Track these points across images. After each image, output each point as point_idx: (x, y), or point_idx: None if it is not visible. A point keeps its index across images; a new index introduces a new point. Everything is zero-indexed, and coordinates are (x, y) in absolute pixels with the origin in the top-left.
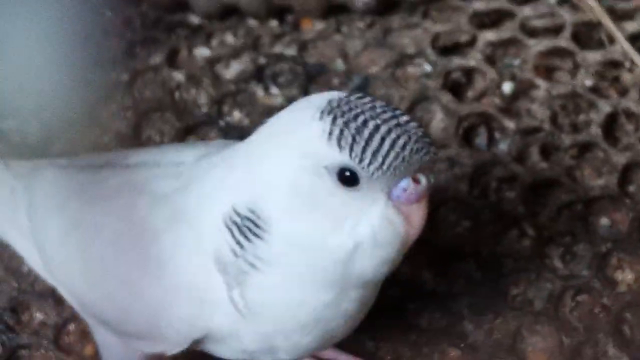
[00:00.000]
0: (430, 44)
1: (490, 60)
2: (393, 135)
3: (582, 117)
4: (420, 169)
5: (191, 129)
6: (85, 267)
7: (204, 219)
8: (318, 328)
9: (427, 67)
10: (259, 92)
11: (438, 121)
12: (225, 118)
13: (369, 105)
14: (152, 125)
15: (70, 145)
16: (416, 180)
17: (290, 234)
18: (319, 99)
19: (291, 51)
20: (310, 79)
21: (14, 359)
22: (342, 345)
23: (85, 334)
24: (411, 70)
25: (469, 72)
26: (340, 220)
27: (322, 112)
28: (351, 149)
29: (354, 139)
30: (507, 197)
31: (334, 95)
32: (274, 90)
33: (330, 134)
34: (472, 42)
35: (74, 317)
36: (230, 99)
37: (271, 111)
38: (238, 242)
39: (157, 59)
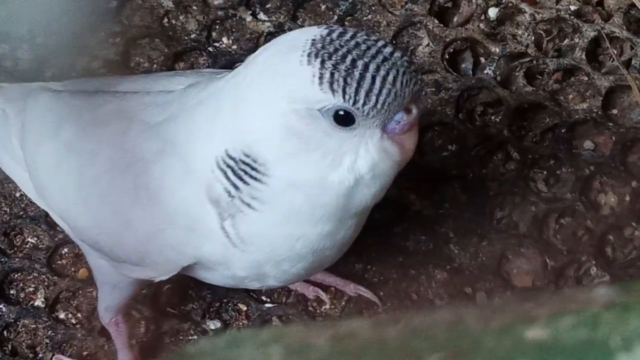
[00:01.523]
0: None
1: None
2: (382, 72)
3: (566, 42)
4: (413, 98)
5: (180, 55)
6: (78, 193)
7: (194, 154)
8: (313, 257)
9: None
10: (247, 17)
11: (424, 46)
12: (213, 44)
13: (353, 41)
14: (141, 52)
15: (61, 70)
16: (408, 111)
17: (289, 175)
18: (301, 39)
19: None
20: (298, 5)
21: (7, 283)
22: (331, 268)
23: (78, 257)
24: None
25: None
26: (339, 157)
27: (310, 55)
28: (344, 92)
29: (345, 82)
30: (492, 121)
31: (316, 33)
32: (262, 16)
33: (321, 78)
34: None
35: (67, 240)
36: (218, 25)
37: (259, 37)
38: (233, 184)
39: None
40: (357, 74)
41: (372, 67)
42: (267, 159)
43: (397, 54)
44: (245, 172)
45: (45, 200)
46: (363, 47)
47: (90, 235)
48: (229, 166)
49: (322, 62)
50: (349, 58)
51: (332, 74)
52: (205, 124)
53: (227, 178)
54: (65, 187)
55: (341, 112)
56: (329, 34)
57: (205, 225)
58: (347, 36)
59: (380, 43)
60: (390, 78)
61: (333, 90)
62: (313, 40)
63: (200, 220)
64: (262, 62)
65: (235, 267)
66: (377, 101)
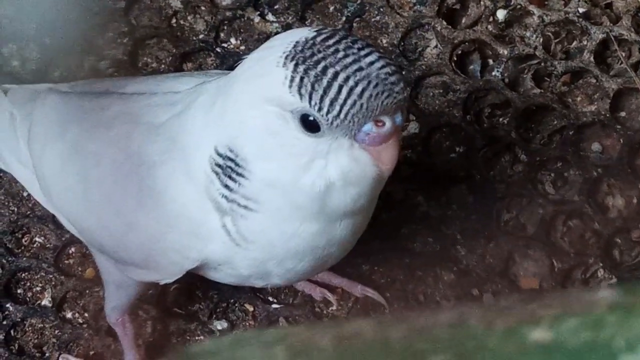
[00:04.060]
0: None
1: None
2: (351, 82)
3: (574, 44)
4: (385, 111)
5: (188, 55)
6: (83, 195)
7: (191, 153)
8: (312, 255)
9: None
10: (256, 18)
11: (432, 48)
12: (221, 45)
13: (334, 47)
14: (149, 52)
15: (68, 70)
16: (380, 123)
17: (265, 174)
18: (287, 41)
19: None
20: (306, 6)
21: (14, 282)
22: (337, 269)
23: (85, 257)
24: None
25: (463, 0)
26: (310, 161)
27: (287, 58)
28: (310, 98)
29: (313, 88)
30: (500, 123)
31: (303, 35)
32: (270, 16)
33: (292, 81)
34: None
35: (74, 240)
36: (227, 26)
37: (267, 37)
38: (226, 185)
39: None
40: (325, 81)
41: (341, 76)
42: (247, 156)
43: (377, 65)
44: (231, 169)
45: (51, 202)
46: (341, 54)
47: (95, 237)
48: (218, 165)
49: (296, 66)
50: (322, 64)
51: (301, 79)
52: (201, 119)
53: (220, 179)
54: (70, 189)
55: (309, 118)
56: (314, 38)
57: (208, 227)
58: (331, 41)
59: (363, 52)
60: (357, 89)
61: (300, 95)
62: (296, 42)
63: (203, 223)
64: (250, 60)
65: (239, 266)
66: (340, 111)
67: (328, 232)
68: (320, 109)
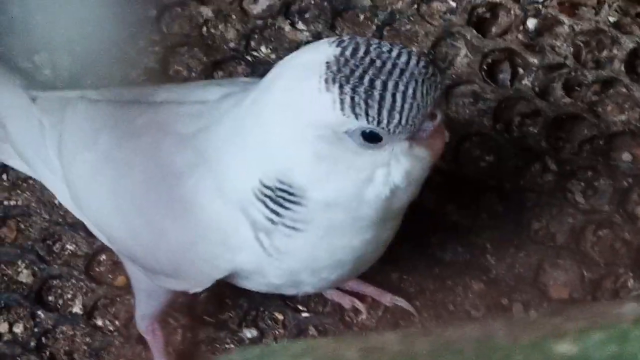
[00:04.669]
0: None
1: None
2: (401, 87)
3: (605, 53)
4: (435, 104)
5: (219, 64)
6: (114, 204)
7: (226, 175)
8: (353, 263)
9: (452, 3)
10: (286, 27)
11: (462, 57)
12: (252, 53)
13: (367, 58)
14: (180, 60)
15: (100, 79)
16: (433, 117)
17: (326, 197)
18: (316, 62)
19: None
20: (336, 14)
21: (45, 289)
22: (367, 277)
23: (116, 265)
24: (436, 6)
25: (493, 8)
26: (372, 173)
27: (327, 82)
28: (367, 114)
29: (367, 104)
30: (530, 132)
31: (329, 53)
32: (301, 25)
33: (342, 103)
34: None
35: (105, 247)
36: (257, 34)
37: (298, 46)
38: (274, 212)
39: None
40: (376, 94)
41: (390, 84)
42: (301, 184)
43: (413, 61)
44: (284, 199)
45: (81, 210)
46: (378, 63)
47: (125, 246)
48: (266, 196)
49: (341, 87)
50: (367, 79)
51: (352, 98)
52: (233, 143)
53: (267, 207)
54: (101, 198)
55: (367, 132)
56: (341, 54)
57: (239, 237)
58: (361, 52)
59: (394, 53)
60: (410, 92)
61: (356, 114)
62: (327, 63)
63: (233, 233)
64: (281, 90)
65: (270, 275)
66: (401, 118)
67: (378, 237)
68: (380, 122)
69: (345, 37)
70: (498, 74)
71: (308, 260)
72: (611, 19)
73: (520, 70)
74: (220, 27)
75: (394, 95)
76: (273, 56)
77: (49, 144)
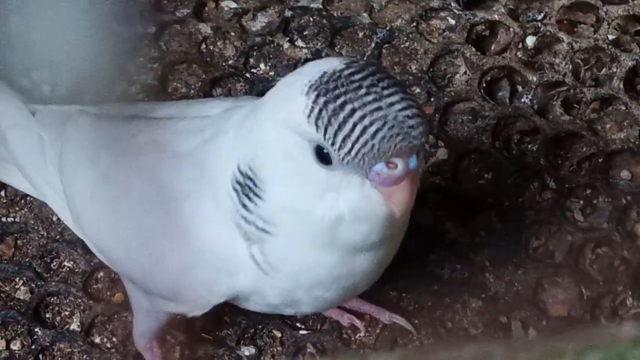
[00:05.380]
0: None
1: (514, 14)
2: (366, 121)
3: (604, 71)
4: (398, 154)
5: (217, 80)
6: (112, 226)
7: (220, 178)
8: (336, 284)
9: (451, 21)
10: (285, 44)
11: (461, 74)
12: (251, 70)
13: (358, 83)
14: (179, 77)
15: (99, 95)
16: (392, 165)
17: (280, 197)
18: (316, 69)
19: (317, 4)
20: (335, 32)
21: (43, 306)
22: (365, 295)
23: (114, 282)
24: (435, 23)
25: (492, 26)
26: (322, 192)
27: (310, 87)
28: (325, 131)
29: (329, 121)
30: (529, 149)
31: (332, 65)
32: (300, 42)
33: (311, 111)
34: None
35: (103, 265)
36: (256, 51)
37: (297, 63)
38: (244, 205)
39: (184, 11)
40: (341, 116)
41: (358, 114)
42: (264, 177)
43: (398, 106)
44: (249, 188)
45: (81, 229)
46: (362, 91)
47: (123, 268)
48: (239, 183)
49: (317, 96)
50: (341, 99)
51: (320, 110)
52: (228, 143)
53: (239, 197)
54: (100, 218)
55: (323, 150)
56: (341, 70)
57: (236, 260)
58: (357, 76)
59: (386, 91)
60: (371, 129)
61: (317, 126)
62: (323, 72)
63: (231, 256)
64: (280, 84)
65: (268, 295)
66: (351, 148)
67: (348, 264)
68: (333, 144)
69: (361, 60)
70: (497, 91)
71: (294, 275)
72: (610, 37)
73: (519, 88)
74: (219, 44)
75: (354, 125)
76: (272, 73)
77: (49, 159)
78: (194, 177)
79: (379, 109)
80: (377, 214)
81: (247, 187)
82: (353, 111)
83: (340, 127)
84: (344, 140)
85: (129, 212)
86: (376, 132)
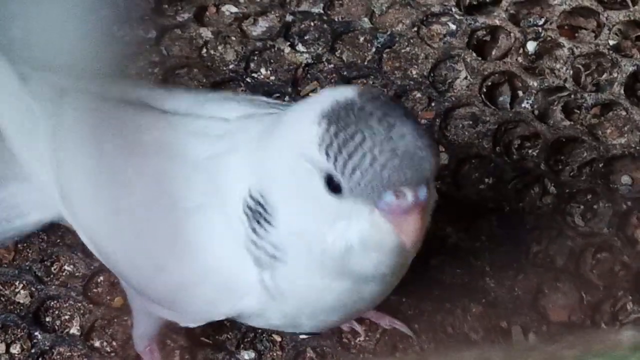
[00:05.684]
0: (455, 2)
1: (515, 19)
2: (376, 152)
3: (604, 76)
4: (408, 184)
5: (218, 85)
6: (114, 226)
7: (231, 199)
8: (343, 310)
9: (452, 26)
10: (286, 49)
11: (462, 79)
12: (251, 75)
13: (370, 111)
14: (180, 82)
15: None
16: (400, 195)
17: (290, 224)
18: (330, 97)
19: (318, 9)
20: (336, 37)
21: (42, 310)
22: None
23: (114, 286)
24: (436, 28)
25: (493, 31)
26: (333, 220)
27: (323, 116)
28: (336, 160)
29: (339, 151)
30: (529, 154)
31: (345, 94)
32: (301, 47)
33: (322, 140)
34: (497, 1)
35: (103, 268)
36: (257, 56)
37: (297, 68)
38: (254, 230)
39: (184, 15)
40: (351, 146)
41: (367, 144)
42: (274, 203)
43: (408, 138)
44: (260, 214)
45: (73, 217)
46: (374, 121)
47: (120, 270)
48: (250, 208)
49: (329, 125)
50: (352, 128)
51: (331, 140)
52: (242, 161)
53: (249, 222)
54: (98, 214)
55: (333, 179)
56: (355, 99)
57: (244, 281)
58: (370, 105)
59: (398, 121)
60: (380, 160)
61: (328, 155)
62: (337, 101)
63: (239, 277)
64: (295, 108)
65: (271, 317)
66: (361, 178)
67: (357, 291)
68: (343, 173)
69: (374, 89)
70: (498, 96)
71: (303, 301)
72: (611, 42)
73: (520, 93)
74: (219, 48)
75: (364, 155)
76: (272, 78)
77: (41, 136)
78: (207, 191)
79: (390, 139)
80: (387, 244)
81: (257, 213)
82: (363, 141)
83: (350, 157)
84: (353, 169)
85: (132, 215)
86: (385, 162)
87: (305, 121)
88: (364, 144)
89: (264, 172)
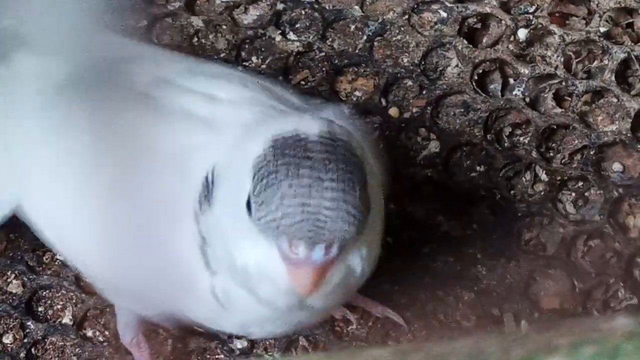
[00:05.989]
0: None
1: (506, 6)
2: (286, 200)
3: (595, 63)
4: (305, 240)
5: None
6: (72, 201)
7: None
8: (282, 320)
9: (443, 14)
10: (277, 37)
11: (453, 67)
12: (243, 63)
13: (304, 156)
14: None
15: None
16: (293, 246)
17: (216, 215)
18: (284, 121)
19: None
20: (327, 25)
21: (35, 300)
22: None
23: None
24: (427, 16)
25: (484, 19)
26: (245, 236)
27: (267, 139)
28: (254, 186)
29: (260, 179)
30: (520, 142)
31: (302, 126)
32: (292, 35)
33: (257, 162)
34: None
35: None
36: (248, 45)
37: (288, 56)
38: (200, 204)
39: (175, 4)
40: (272, 180)
41: (284, 186)
42: (215, 188)
43: (329, 197)
44: (205, 197)
45: (34, 211)
46: (304, 167)
47: (74, 248)
48: (203, 185)
49: (266, 151)
50: (283, 167)
51: (260, 166)
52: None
53: (199, 202)
54: (63, 194)
55: (248, 197)
56: (307, 136)
57: (199, 290)
58: (324, 146)
59: (328, 178)
60: (285, 207)
61: (253, 177)
62: (287, 133)
63: (194, 284)
64: (255, 121)
65: (223, 325)
66: (264, 215)
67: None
68: (255, 201)
69: (339, 132)
70: (489, 84)
71: (246, 311)
72: (602, 29)
73: (511, 81)
74: (210, 37)
75: (274, 194)
76: (264, 66)
77: (23, 94)
78: (177, 184)
79: (307, 192)
80: (281, 284)
81: (204, 194)
82: (280, 182)
83: (265, 189)
84: (262, 202)
85: (100, 194)
86: (289, 212)
87: (258, 140)
88: (281, 184)
89: (225, 148)
